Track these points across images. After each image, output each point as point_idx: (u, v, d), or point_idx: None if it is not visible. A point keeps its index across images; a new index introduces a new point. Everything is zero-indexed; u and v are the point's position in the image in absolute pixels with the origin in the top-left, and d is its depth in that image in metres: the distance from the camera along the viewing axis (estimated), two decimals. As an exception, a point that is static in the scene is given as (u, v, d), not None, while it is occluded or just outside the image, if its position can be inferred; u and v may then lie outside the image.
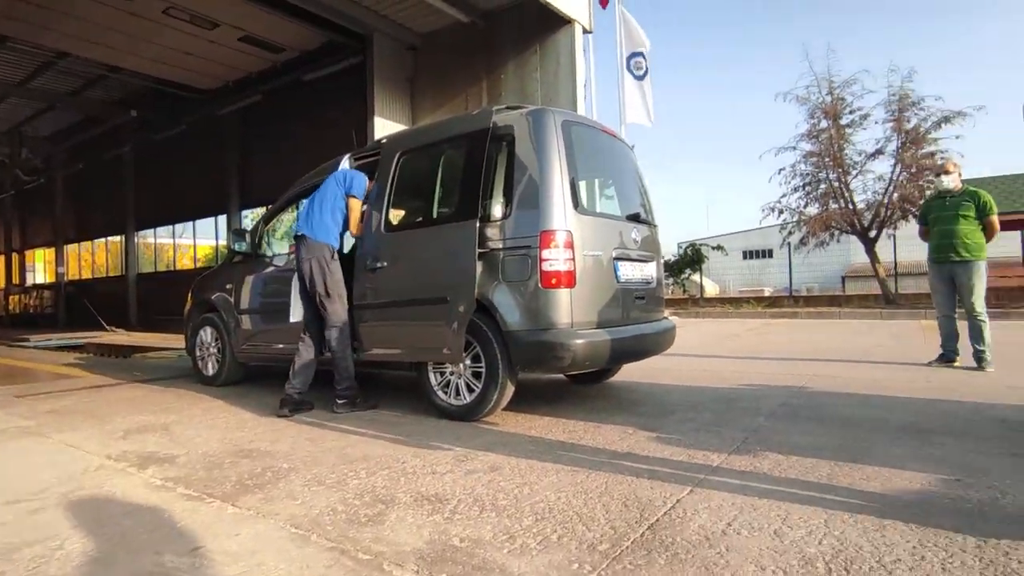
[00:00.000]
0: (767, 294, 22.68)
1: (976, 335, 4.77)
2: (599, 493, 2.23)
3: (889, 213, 13.36)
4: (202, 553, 1.82)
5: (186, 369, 5.74)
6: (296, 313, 4.07)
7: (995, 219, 4.79)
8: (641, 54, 10.79)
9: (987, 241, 4.82)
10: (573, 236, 3.30)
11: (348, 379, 3.88)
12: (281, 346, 4.60)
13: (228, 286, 5.03)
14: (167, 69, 11.90)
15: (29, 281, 22.11)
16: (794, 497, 2.13)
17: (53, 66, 12.21)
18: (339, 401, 3.87)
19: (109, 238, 17.99)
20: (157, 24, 9.86)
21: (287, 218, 5.48)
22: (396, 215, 3.98)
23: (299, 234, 3.94)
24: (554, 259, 3.24)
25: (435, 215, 3.89)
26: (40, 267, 21.77)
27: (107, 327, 13.62)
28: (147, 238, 17.03)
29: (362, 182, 4.03)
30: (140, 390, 5.00)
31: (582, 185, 3.86)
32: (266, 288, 4.82)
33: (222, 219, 13.97)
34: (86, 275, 19.52)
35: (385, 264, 3.80)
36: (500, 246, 3.40)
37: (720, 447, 2.80)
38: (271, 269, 4.81)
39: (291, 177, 5.20)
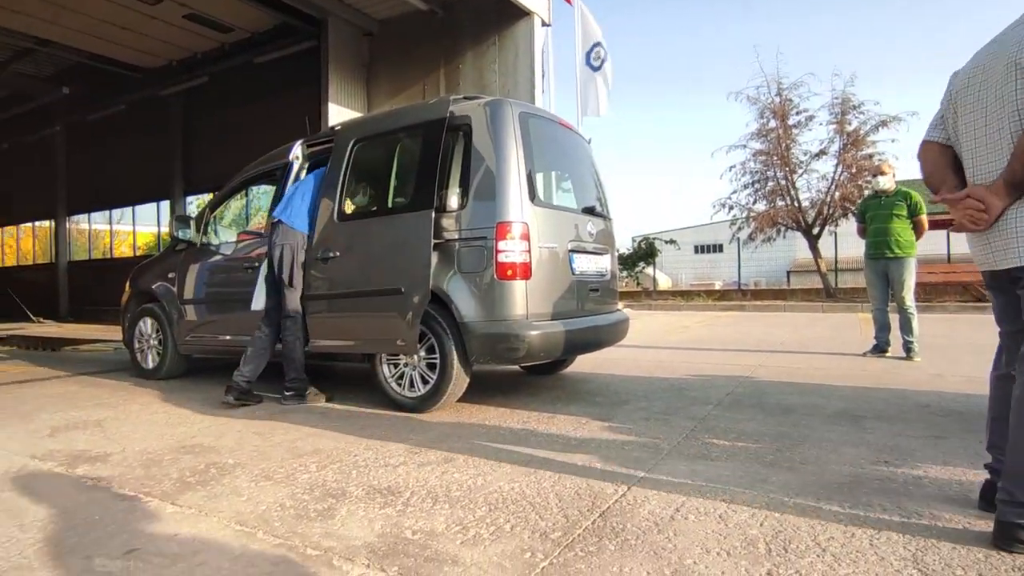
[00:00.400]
0: (717, 287, 23.37)
1: (906, 327, 5.06)
2: (552, 483, 2.24)
3: (831, 211, 13.93)
4: (137, 555, 1.74)
5: (123, 362, 5.48)
6: (259, 301, 3.96)
7: (924, 219, 5.11)
8: (600, 44, 10.85)
9: (917, 239, 5.13)
10: (529, 228, 3.30)
11: (297, 370, 3.79)
12: (228, 337, 4.44)
13: (171, 275, 4.81)
14: (102, 44, 11.22)
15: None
16: (739, 482, 2.20)
17: (-26, 37, 11.37)
18: (287, 393, 3.78)
19: (37, 223, 16.97)
20: (91, -5, 9.30)
21: (235, 205, 5.29)
22: (350, 204, 3.89)
23: (276, 220, 3.84)
24: (510, 250, 3.23)
25: (390, 204, 3.82)
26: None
27: (34, 318, 12.84)
28: (80, 224, 16.14)
29: None
30: (71, 384, 4.74)
31: (539, 177, 3.86)
32: (212, 277, 4.64)
33: (165, 205, 13.38)
34: (10, 262, 18.37)
35: (338, 254, 3.71)
36: (456, 237, 3.37)
37: (670, 435, 2.87)
38: (218, 258, 4.63)
39: (240, 163, 5.01)
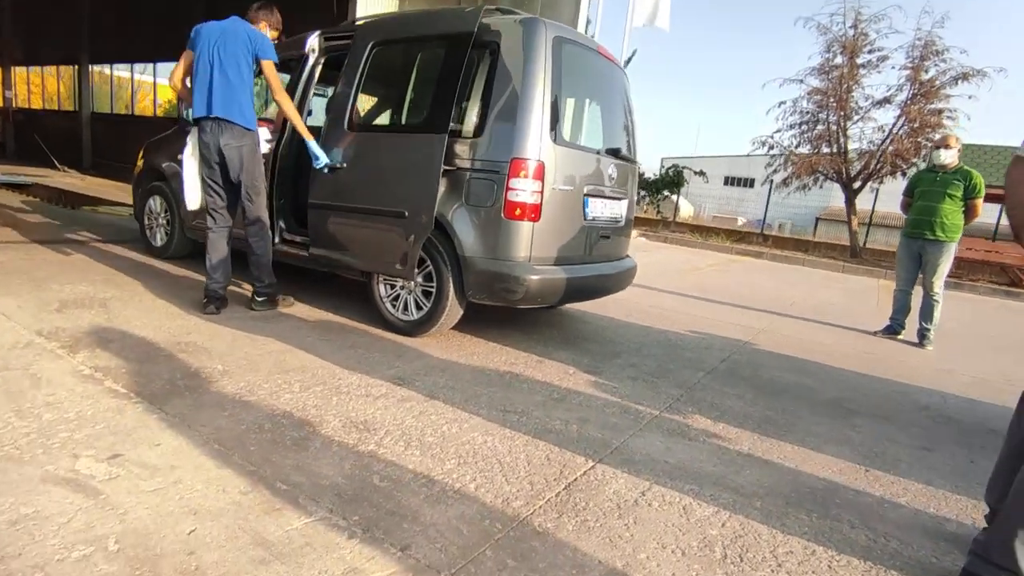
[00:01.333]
0: (740, 224, 22.86)
1: (927, 313, 4.86)
2: (525, 442, 2.27)
3: (879, 166, 13.22)
4: (119, 462, 1.81)
5: (136, 232, 5.52)
6: (195, 199, 3.64)
7: (980, 203, 4.69)
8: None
9: (966, 223, 4.75)
10: (545, 167, 3.14)
11: (270, 275, 3.73)
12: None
13: (179, 156, 4.70)
14: None
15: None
16: (711, 471, 2.21)
17: None
18: (259, 299, 3.72)
19: (62, 66, 16.61)
20: None
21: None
22: (362, 112, 3.71)
23: (216, 116, 3.39)
24: (521, 189, 3.10)
25: (403, 122, 3.64)
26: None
27: (59, 166, 12.88)
28: (103, 70, 15.79)
29: (269, 42, 3.53)
30: (84, 252, 4.80)
31: (566, 111, 3.63)
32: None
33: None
34: (36, 104, 18.20)
35: (344, 164, 3.58)
36: (468, 166, 3.22)
37: (654, 402, 2.87)
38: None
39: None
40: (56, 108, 17.22)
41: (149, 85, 15.33)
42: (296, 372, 2.72)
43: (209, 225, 3.62)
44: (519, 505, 1.83)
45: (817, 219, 25.79)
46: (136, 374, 2.48)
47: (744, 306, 6.02)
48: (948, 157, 4.78)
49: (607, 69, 3.88)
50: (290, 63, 4.15)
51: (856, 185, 13.53)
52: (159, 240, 4.92)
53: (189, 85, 3.53)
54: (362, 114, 3.72)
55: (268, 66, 3.48)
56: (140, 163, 5.07)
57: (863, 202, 14.36)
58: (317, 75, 4.04)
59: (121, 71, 15.70)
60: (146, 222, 5.00)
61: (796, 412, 2.98)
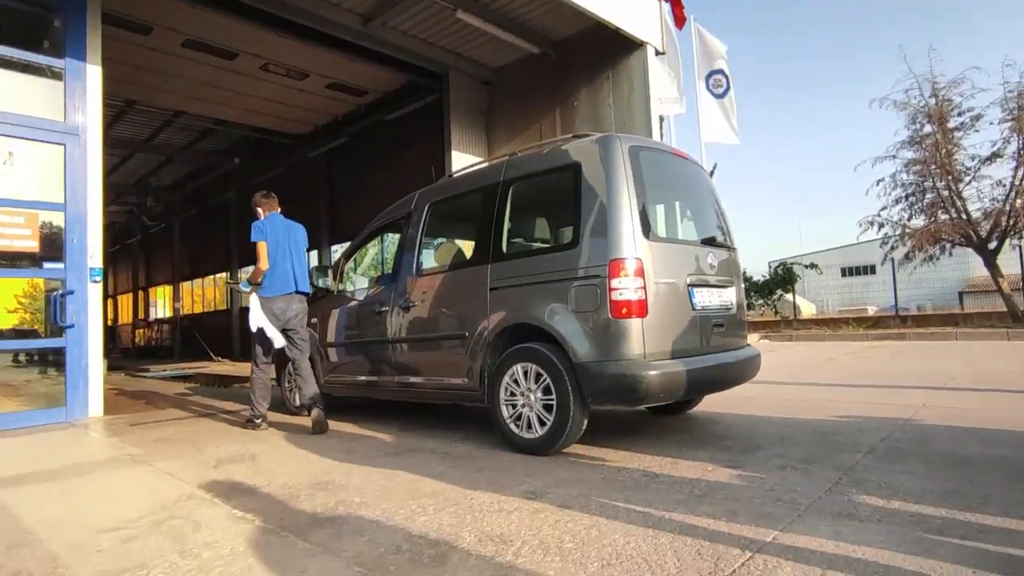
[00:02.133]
0: (871, 313, 21.06)
1: None
2: (671, 539, 2.09)
3: (1012, 221, 12.08)
4: (271, 589, 1.87)
5: (277, 399, 6.05)
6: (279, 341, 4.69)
7: None
8: (721, 71, 10.53)
9: None
10: (644, 263, 3.20)
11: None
12: (362, 378, 4.75)
13: (313, 320, 5.27)
14: (264, 118, 12.90)
15: (151, 316, 24.37)
16: (895, 552, 1.90)
17: (171, 124, 13.56)
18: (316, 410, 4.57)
19: (217, 275, 19.54)
20: (255, 79, 10.74)
21: (372, 251, 5.71)
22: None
23: (303, 292, 4.76)
24: (624, 288, 3.15)
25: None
26: (160, 303, 23.95)
27: (214, 357, 14.69)
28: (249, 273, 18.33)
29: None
30: (236, 420, 5.31)
31: (658, 210, 3.77)
32: (348, 321, 5.01)
33: (313, 254, 14.82)
34: (197, 309, 21.26)
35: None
36: (570, 276, 3.35)
37: (810, 488, 2.57)
38: (353, 303, 5.00)
39: (374, 212, 5.43)
40: (213, 309, 19.98)
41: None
42: (429, 497, 2.74)
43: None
44: (675, 602, 1.66)
45: (960, 293, 23.24)
46: (282, 513, 2.61)
47: (895, 386, 5.39)
48: None
49: (686, 167, 4.03)
50: (400, 222, 4.69)
51: (992, 245, 12.32)
52: (298, 400, 5.35)
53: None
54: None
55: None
56: (280, 334, 5.70)
57: (1010, 267, 12.95)
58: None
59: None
60: (286, 385, 5.50)
61: (989, 482, 2.54)
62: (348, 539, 2.26)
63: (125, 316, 27.08)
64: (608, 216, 3.27)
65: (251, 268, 4.70)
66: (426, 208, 4.48)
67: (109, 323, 24.12)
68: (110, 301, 25.84)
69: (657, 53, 7.97)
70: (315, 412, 4.49)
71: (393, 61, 9.01)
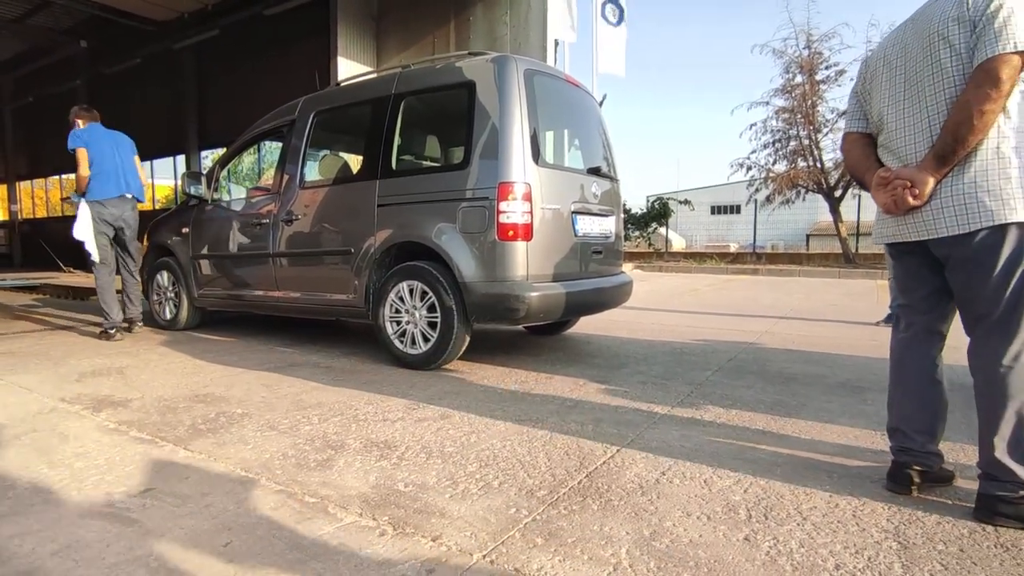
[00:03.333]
0: (732, 250, 23.11)
1: None
2: (543, 442, 2.32)
3: (855, 173, 13.58)
4: (152, 495, 1.86)
5: (145, 313, 5.65)
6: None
7: None
8: (615, 1, 10.51)
9: None
10: (532, 188, 3.30)
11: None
12: (240, 292, 4.56)
13: (184, 230, 4.91)
14: (117, -4, 11.14)
15: (-21, 219, 21.15)
16: (728, 448, 2.26)
17: (-9, -13, 11.35)
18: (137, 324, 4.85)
19: (64, 175, 17.21)
20: (105, -55, 9.18)
21: (248, 159, 5.34)
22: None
23: (133, 196, 4.71)
24: (512, 211, 3.24)
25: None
26: (-10, 204, 20.79)
27: (64, 267, 13.18)
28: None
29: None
30: (97, 333, 4.92)
31: (547, 137, 3.84)
32: (224, 233, 4.72)
33: (180, 159, 13.46)
34: (40, 213, 18.75)
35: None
36: (458, 196, 3.38)
37: (665, 400, 2.92)
38: (229, 214, 4.70)
39: (253, 117, 5.03)
40: (60, 214, 17.72)
41: (147, 186, 15.84)
42: (313, 408, 2.78)
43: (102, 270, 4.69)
44: (543, 494, 1.87)
45: (808, 236, 26.10)
46: (159, 424, 2.54)
47: (745, 315, 6.09)
48: None
49: (578, 96, 4.11)
50: (282, 129, 4.40)
51: (838, 193, 13.85)
52: (168, 313, 5.05)
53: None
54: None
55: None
56: (146, 243, 5.26)
57: (850, 213, 14.65)
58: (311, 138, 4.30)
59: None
60: (154, 298, 5.14)
61: (807, 395, 3.03)
62: (232, 447, 2.26)
63: (-58, 217, 23.26)
64: (499, 139, 3.30)
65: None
66: (311, 117, 4.24)
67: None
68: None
69: (558, -25, 7.80)
70: (136, 329, 4.82)
71: (275, -54, 8.09)
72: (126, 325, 4.79)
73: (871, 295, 8.12)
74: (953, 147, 1.63)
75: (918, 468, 1.84)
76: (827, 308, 6.73)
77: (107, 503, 1.80)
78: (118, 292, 4.79)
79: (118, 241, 4.71)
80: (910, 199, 1.73)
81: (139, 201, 4.76)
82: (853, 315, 6.00)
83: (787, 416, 2.67)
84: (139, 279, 4.91)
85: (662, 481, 1.96)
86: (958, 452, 2.23)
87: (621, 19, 9.54)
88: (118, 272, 4.84)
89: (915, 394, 1.91)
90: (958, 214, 1.66)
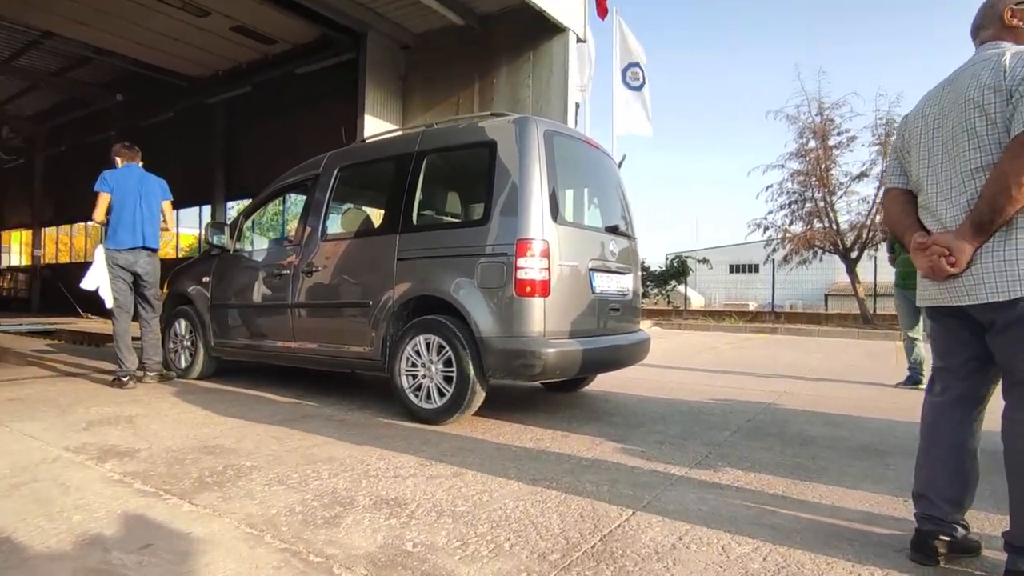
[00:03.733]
0: (751, 308, 22.94)
1: None
2: (557, 503, 2.25)
3: (871, 235, 13.58)
4: (151, 551, 1.81)
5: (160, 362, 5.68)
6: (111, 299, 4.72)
7: None
8: (638, 65, 10.90)
9: None
10: (550, 245, 3.32)
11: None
12: (257, 342, 4.58)
13: (204, 279, 4.99)
14: (155, 54, 11.75)
15: (4, 263, 21.71)
16: (746, 513, 2.17)
17: (39, 45, 12.01)
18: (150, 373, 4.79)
19: (89, 222, 17.72)
20: (145, 8, 9.75)
21: (272, 211, 5.47)
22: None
23: (150, 247, 4.76)
24: (530, 267, 3.26)
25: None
26: (16, 249, 21.40)
27: (82, 313, 13.38)
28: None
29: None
30: (109, 381, 4.93)
31: (567, 195, 3.90)
32: (244, 283, 4.78)
33: (207, 209, 13.84)
34: (63, 259, 19.23)
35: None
36: (477, 252, 3.41)
37: (683, 461, 2.83)
38: (250, 264, 4.78)
39: (279, 171, 5.18)
40: (83, 260, 18.14)
41: (171, 235, 16.25)
42: (323, 463, 2.73)
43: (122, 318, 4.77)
44: (555, 558, 1.79)
45: (826, 295, 25.87)
46: (165, 476, 2.50)
47: (764, 374, 5.98)
48: None
49: (597, 157, 4.20)
50: (307, 183, 4.53)
51: (854, 255, 13.82)
52: (183, 362, 5.06)
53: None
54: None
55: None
56: (166, 290, 5.33)
57: (867, 274, 14.57)
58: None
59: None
60: (170, 346, 5.17)
61: (828, 458, 2.93)
62: (238, 502, 2.21)
63: (-35, 261, 23.92)
64: (519, 196, 3.35)
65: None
66: (335, 171, 4.35)
67: (-56, 268, 21.22)
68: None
69: (579, 40, 8.12)
70: (149, 378, 4.77)
71: (308, 12, 8.50)
72: (140, 374, 4.76)
73: (890, 356, 7.95)
74: (991, 216, 1.60)
75: (944, 538, 1.76)
76: (846, 369, 6.59)
77: (103, 560, 1.75)
78: (136, 340, 4.80)
79: (137, 288, 4.76)
80: (947, 267, 1.70)
81: (153, 250, 4.80)
82: (873, 376, 5.87)
83: (807, 480, 2.57)
84: (157, 328, 4.89)
85: (678, 546, 1.88)
86: (983, 521, 2.12)
87: (643, 82, 9.85)
88: (135, 319, 4.87)
89: (945, 461, 1.83)
90: (998, 280, 1.62)
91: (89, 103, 15.15)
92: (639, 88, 10.89)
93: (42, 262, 19.04)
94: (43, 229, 19.27)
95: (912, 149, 1.89)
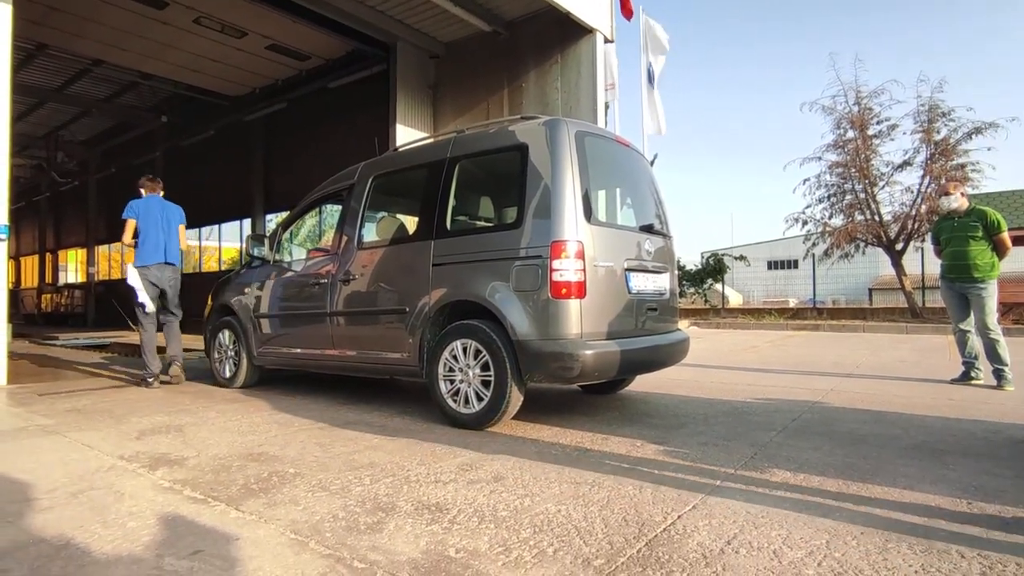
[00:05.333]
0: (791, 305, 22.36)
1: (992, 353, 4.71)
2: (600, 507, 2.21)
3: (917, 225, 13.08)
4: (201, 557, 1.85)
5: (205, 370, 5.85)
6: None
7: (1006, 237, 4.74)
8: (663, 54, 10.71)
9: (1000, 259, 4.75)
10: (584, 246, 3.29)
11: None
12: (298, 350, 4.67)
13: (246, 290, 5.12)
14: (196, 76, 12.20)
15: (61, 280, 22.76)
16: (797, 516, 2.09)
17: (89, 73, 12.60)
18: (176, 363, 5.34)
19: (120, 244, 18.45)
20: (187, 32, 10.12)
21: (308, 223, 5.60)
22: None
23: (172, 262, 5.35)
24: (565, 269, 3.23)
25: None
26: (72, 267, 22.41)
27: (134, 327, 13.92)
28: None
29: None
30: (159, 391, 5.10)
31: (600, 196, 3.87)
32: (284, 293, 4.89)
33: (247, 222, 14.25)
34: (115, 276, 20.03)
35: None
36: (512, 255, 3.40)
37: (728, 462, 2.76)
38: (290, 274, 4.88)
39: (314, 182, 5.29)
40: (131, 276, 18.88)
41: (214, 249, 16.79)
42: (365, 468, 2.75)
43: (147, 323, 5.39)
44: (600, 563, 1.76)
45: (870, 290, 25.04)
46: (212, 483, 2.56)
47: (808, 372, 5.80)
48: (952, 202, 4.94)
49: (629, 155, 4.15)
50: (342, 193, 4.60)
51: (899, 247, 13.33)
52: (228, 371, 5.20)
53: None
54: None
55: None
56: (210, 303, 5.49)
57: (913, 266, 14.05)
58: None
59: (190, 240, 17.27)
60: (215, 356, 5.32)
61: (881, 457, 2.81)
62: (282, 508, 2.25)
63: (29, 280, 25.18)
64: (552, 198, 3.33)
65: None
66: (369, 181, 4.41)
67: (10, 287, 22.32)
68: (11, 263, 23.89)
69: (606, 41, 8.07)
70: (174, 367, 5.32)
71: (339, 27, 8.71)
72: (165, 377, 5.35)
73: (942, 351, 7.63)
74: None
75: None
76: (896, 365, 6.35)
77: (155, 566, 1.79)
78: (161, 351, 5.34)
79: (162, 300, 5.36)
80: None
81: (177, 266, 5.46)
82: (925, 372, 5.63)
83: (860, 480, 2.47)
84: (177, 326, 5.52)
85: (727, 551, 1.82)
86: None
87: (653, 82, 9.73)
88: (160, 329, 5.47)
89: None
90: None
91: (136, 126, 15.81)
92: (653, 87, 10.69)
93: (96, 279, 19.88)
94: (96, 247, 20.13)
95: None
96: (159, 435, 3.45)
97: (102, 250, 20.37)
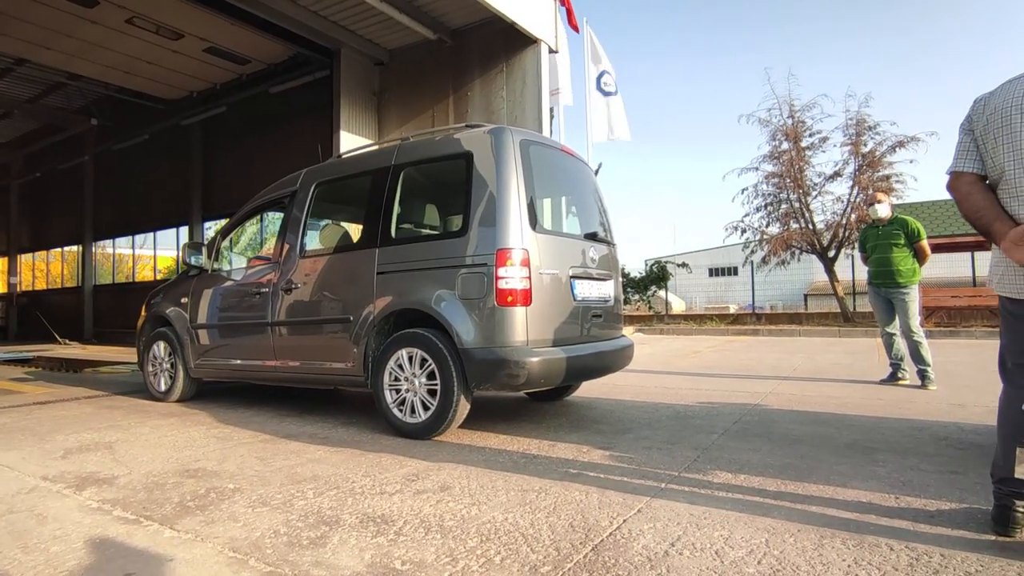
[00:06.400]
0: (732, 311, 23.14)
1: (916, 355, 5.00)
2: (547, 513, 2.23)
3: (847, 234, 13.79)
4: (132, 580, 1.76)
5: (139, 384, 5.57)
6: None
7: (925, 244, 5.07)
8: (608, 72, 11.04)
9: (920, 265, 5.08)
10: (530, 254, 3.32)
11: None
12: (238, 362, 4.51)
13: (183, 300, 4.91)
14: (128, 78, 11.66)
15: (-22, 292, 21.22)
16: (739, 516, 2.16)
17: (11, 72, 11.85)
18: None
19: (66, 248, 17.43)
20: (119, 32, 9.67)
21: (250, 229, 5.42)
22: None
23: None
24: (510, 277, 3.25)
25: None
26: (-9, 277, 20.92)
27: (60, 340, 13.10)
28: (106, 248, 16.53)
29: None
30: (88, 406, 4.82)
31: (545, 204, 3.91)
32: (223, 302, 4.72)
33: (184, 230, 13.68)
34: (40, 286, 18.86)
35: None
36: (457, 263, 3.40)
37: (671, 465, 2.83)
38: (229, 283, 4.72)
39: (256, 189, 5.14)
40: (60, 286, 17.81)
41: (149, 257, 16.03)
42: (308, 482, 2.68)
43: None
44: (547, 570, 1.77)
45: (806, 295, 26.21)
46: (145, 502, 2.44)
47: (748, 376, 6.02)
48: (881, 211, 5.27)
49: (573, 165, 4.22)
50: (284, 200, 4.49)
51: (831, 254, 14.02)
52: (163, 385, 4.97)
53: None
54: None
55: None
56: (144, 313, 5.24)
57: (844, 272, 14.79)
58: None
59: (122, 248, 16.45)
60: (150, 369, 5.08)
61: (816, 456, 2.94)
62: (221, 525, 2.16)
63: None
64: (497, 206, 3.35)
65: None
66: (312, 188, 4.33)
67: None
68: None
69: (551, 51, 8.20)
70: None
71: (280, 31, 8.50)
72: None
73: (871, 353, 8.06)
74: None
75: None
76: (830, 367, 6.66)
77: (86, 589, 1.70)
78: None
79: None
80: None
81: None
82: (856, 374, 5.94)
83: (797, 480, 2.58)
84: None
85: (671, 553, 1.87)
86: (977, 513, 2.13)
87: (616, 90, 9.97)
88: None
89: None
90: None
91: (64, 128, 14.96)
92: (614, 93, 11.02)
93: (19, 289, 18.65)
94: (19, 256, 18.90)
95: (999, 139, 1.83)
96: (87, 453, 3.26)
97: (26, 259, 19.13)
